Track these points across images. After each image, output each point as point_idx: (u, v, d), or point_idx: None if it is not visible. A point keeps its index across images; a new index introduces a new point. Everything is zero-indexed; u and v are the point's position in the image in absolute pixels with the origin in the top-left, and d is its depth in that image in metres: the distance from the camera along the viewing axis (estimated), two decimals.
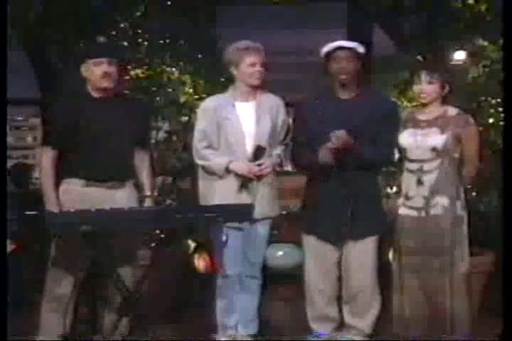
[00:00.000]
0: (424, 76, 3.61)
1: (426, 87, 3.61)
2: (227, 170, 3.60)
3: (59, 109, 3.61)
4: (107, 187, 3.53)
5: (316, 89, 3.80)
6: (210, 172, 3.68)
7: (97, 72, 3.49)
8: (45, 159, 3.54)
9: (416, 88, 3.67)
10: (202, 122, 3.69)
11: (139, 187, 3.72)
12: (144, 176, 3.73)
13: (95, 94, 3.56)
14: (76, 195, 3.50)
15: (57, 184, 3.54)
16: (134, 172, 3.70)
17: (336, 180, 3.56)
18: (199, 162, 3.70)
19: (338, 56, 3.58)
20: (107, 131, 3.51)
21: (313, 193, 3.70)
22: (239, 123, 3.64)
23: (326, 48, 3.61)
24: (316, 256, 3.73)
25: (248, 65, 3.60)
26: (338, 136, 3.44)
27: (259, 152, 3.59)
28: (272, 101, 3.73)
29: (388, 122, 3.63)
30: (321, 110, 3.62)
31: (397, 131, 3.67)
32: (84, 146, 3.50)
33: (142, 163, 3.73)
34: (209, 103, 3.75)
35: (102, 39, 3.54)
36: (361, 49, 3.62)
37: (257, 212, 3.52)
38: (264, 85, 3.69)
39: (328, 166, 3.50)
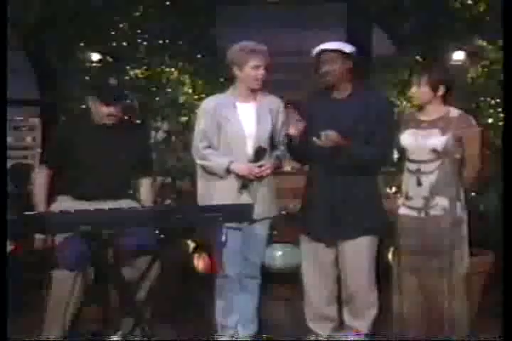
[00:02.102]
0: (412, 78, 3.65)
1: (414, 88, 3.64)
2: (228, 171, 3.61)
3: (60, 132, 3.74)
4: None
5: (316, 90, 3.79)
6: (210, 172, 3.67)
7: (104, 112, 3.53)
8: (40, 177, 3.67)
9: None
10: (202, 122, 3.69)
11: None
12: (143, 200, 3.77)
13: (97, 122, 3.60)
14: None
15: (49, 202, 3.62)
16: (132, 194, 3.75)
17: (333, 180, 3.56)
18: (199, 162, 3.70)
19: (323, 58, 3.55)
20: (104, 154, 3.56)
21: (311, 193, 3.70)
22: (239, 124, 3.63)
23: (314, 51, 3.59)
24: (312, 256, 3.72)
25: (252, 68, 3.58)
26: (328, 136, 3.40)
27: (259, 153, 3.58)
28: (272, 102, 3.72)
29: (383, 122, 3.58)
30: (314, 109, 3.60)
31: (393, 130, 3.66)
32: (79, 168, 3.56)
33: (144, 187, 3.79)
34: (209, 102, 3.74)
35: (113, 81, 3.59)
36: (347, 49, 3.54)
37: (256, 213, 3.50)
38: (264, 85, 3.68)
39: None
